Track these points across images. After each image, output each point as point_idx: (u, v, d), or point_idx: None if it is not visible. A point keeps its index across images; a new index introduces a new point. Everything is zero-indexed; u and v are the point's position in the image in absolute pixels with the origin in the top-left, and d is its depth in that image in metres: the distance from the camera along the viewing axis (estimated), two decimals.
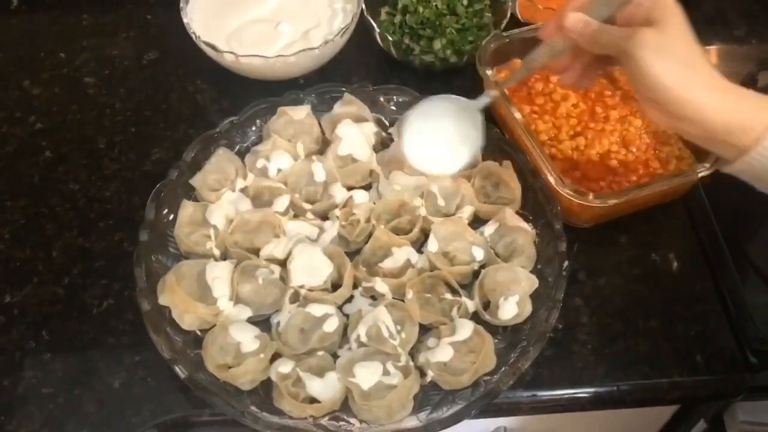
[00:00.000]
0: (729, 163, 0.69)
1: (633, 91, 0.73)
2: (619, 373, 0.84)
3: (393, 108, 1.02)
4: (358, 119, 0.98)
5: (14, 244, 0.93)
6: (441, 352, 0.80)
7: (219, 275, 0.85)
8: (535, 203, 0.91)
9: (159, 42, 1.16)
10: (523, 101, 1.00)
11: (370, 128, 0.98)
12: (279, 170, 0.94)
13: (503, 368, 0.80)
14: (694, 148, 0.95)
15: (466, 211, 0.92)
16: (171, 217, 0.91)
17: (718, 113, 0.66)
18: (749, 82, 1.15)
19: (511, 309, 0.83)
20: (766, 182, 0.68)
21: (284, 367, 0.79)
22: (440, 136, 0.86)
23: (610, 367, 0.85)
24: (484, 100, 0.85)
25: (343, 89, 1.00)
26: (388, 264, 0.87)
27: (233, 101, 1.06)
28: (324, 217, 0.93)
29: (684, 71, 0.66)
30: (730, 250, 0.92)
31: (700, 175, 0.89)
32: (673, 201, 0.97)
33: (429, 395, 0.80)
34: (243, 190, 0.94)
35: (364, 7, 1.06)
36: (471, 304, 0.85)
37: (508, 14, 1.08)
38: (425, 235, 0.90)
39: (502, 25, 1.07)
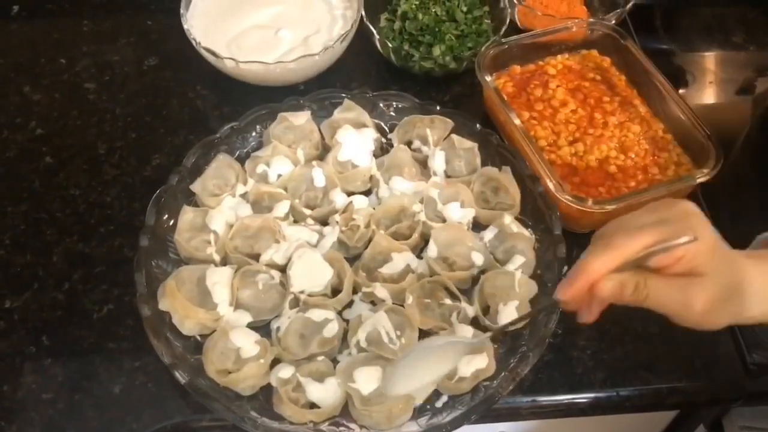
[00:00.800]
0: None
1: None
2: (619, 379, 0.84)
3: (392, 114, 1.02)
4: (358, 125, 0.99)
5: (15, 249, 0.93)
6: None
7: (219, 280, 0.85)
8: (535, 209, 0.92)
9: (159, 48, 1.16)
10: (522, 107, 1.01)
11: (369, 134, 0.98)
12: (279, 176, 0.95)
13: (503, 373, 0.80)
14: (692, 153, 0.96)
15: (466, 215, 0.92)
16: (171, 222, 0.91)
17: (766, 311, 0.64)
18: (747, 87, 1.16)
19: (510, 314, 0.83)
20: None
21: (284, 372, 0.79)
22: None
23: (610, 372, 0.85)
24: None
25: (343, 95, 1.01)
26: (387, 269, 0.87)
27: (233, 107, 1.07)
28: (324, 222, 0.93)
29: (734, 305, 0.62)
30: None
31: (698, 180, 0.90)
32: None
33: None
34: (243, 196, 0.94)
35: (363, 13, 1.07)
36: (471, 310, 0.85)
37: (507, 21, 1.09)
38: (425, 240, 0.90)
39: (501, 32, 1.07)
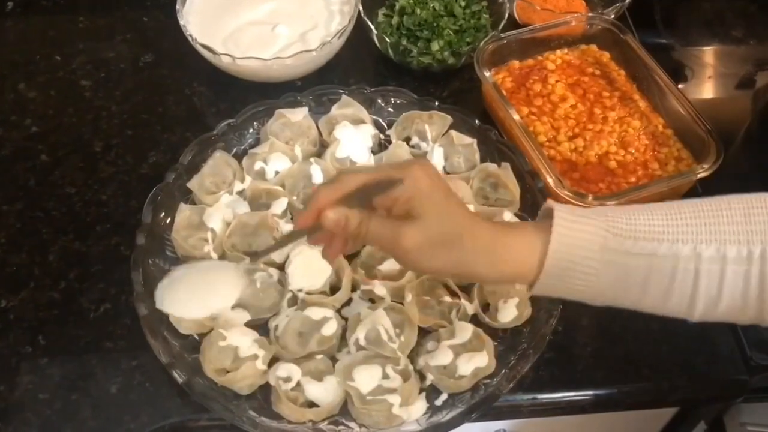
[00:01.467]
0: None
1: None
2: (619, 376, 0.84)
3: (391, 110, 1.02)
4: (356, 121, 0.98)
5: (10, 248, 0.93)
6: (440, 356, 0.80)
7: None
8: (535, 205, 0.91)
9: (155, 44, 1.15)
10: (521, 103, 1.00)
11: (368, 130, 0.98)
12: (276, 173, 0.94)
13: (503, 371, 0.80)
14: (692, 148, 0.95)
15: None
16: (168, 220, 0.90)
17: (494, 275, 0.65)
18: (747, 82, 1.16)
19: (510, 312, 0.83)
20: (569, 292, 0.67)
21: (283, 371, 0.79)
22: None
23: (610, 369, 0.84)
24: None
25: (341, 91, 1.00)
26: (386, 266, 0.87)
27: (230, 104, 1.06)
28: None
29: (449, 254, 0.64)
30: None
31: (699, 176, 0.89)
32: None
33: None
34: (240, 193, 0.93)
35: (361, 8, 1.06)
36: (470, 307, 0.84)
37: (506, 16, 1.08)
38: None
39: (500, 27, 1.07)
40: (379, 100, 1.01)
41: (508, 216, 0.89)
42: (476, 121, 0.97)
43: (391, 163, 0.69)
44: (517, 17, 1.16)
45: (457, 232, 0.64)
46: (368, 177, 0.66)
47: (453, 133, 0.97)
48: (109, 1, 1.21)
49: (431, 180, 0.65)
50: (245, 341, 0.80)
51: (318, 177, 0.93)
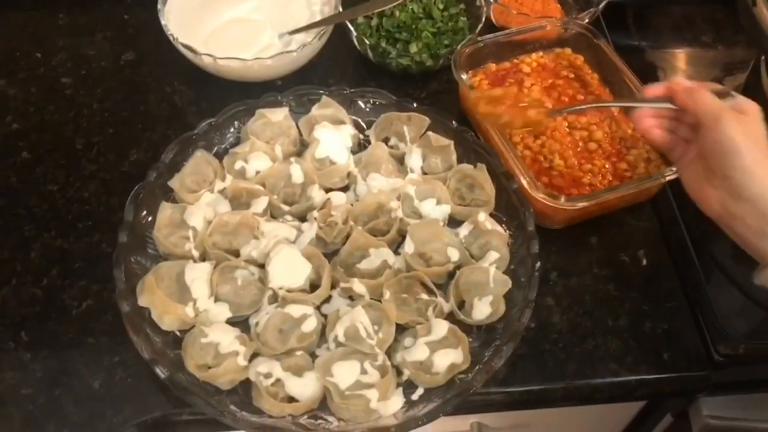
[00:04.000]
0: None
1: (694, 167, 0.79)
2: (589, 371, 0.87)
3: (369, 110, 1.03)
4: (336, 121, 1.00)
5: None
6: (417, 351, 0.82)
7: (198, 276, 0.86)
8: (509, 205, 0.94)
9: (136, 42, 1.16)
10: None
11: (347, 130, 0.99)
12: (257, 172, 0.96)
13: (478, 366, 0.82)
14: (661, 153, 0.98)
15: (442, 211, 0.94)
16: (150, 218, 0.91)
17: None
18: None
19: (485, 309, 0.85)
20: None
21: (263, 366, 0.81)
22: None
23: (581, 364, 0.87)
24: None
25: (321, 92, 1.02)
26: (365, 265, 0.89)
27: (211, 103, 1.07)
28: (302, 218, 0.94)
29: (758, 152, 0.71)
30: (696, 251, 0.95)
31: (667, 177, 0.92)
32: (642, 203, 1.00)
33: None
34: (221, 192, 0.95)
35: (341, 9, 1.08)
36: (446, 305, 0.87)
37: (483, 19, 1.10)
38: (402, 236, 0.92)
39: (477, 30, 1.09)
40: (359, 101, 1.03)
41: (482, 216, 0.91)
42: (453, 123, 0.99)
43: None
44: (494, 20, 1.18)
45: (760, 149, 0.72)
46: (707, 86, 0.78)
47: (430, 134, 0.99)
48: None
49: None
50: (226, 338, 0.82)
51: (298, 176, 0.95)
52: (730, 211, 0.73)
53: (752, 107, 0.76)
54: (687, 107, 0.77)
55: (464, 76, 1.00)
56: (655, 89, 0.82)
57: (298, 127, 1.01)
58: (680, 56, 1.24)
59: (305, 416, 0.80)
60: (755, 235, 0.72)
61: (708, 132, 0.74)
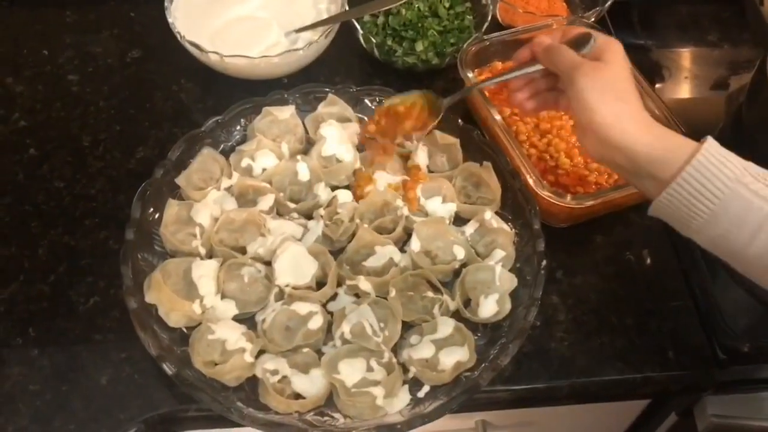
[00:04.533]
0: (651, 202, 0.74)
1: (577, 130, 0.80)
2: (594, 369, 0.87)
3: (375, 108, 1.03)
4: (342, 119, 1.00)
5: None
6: (423, 349, 0.82)
7: (205, 273, 0.86)
8: (515, 204, 0.94)
9: (143, 40, 1.16)
10: (503, 103, 1.03)
11: (353, 128, 0.99)
12: (264, 169, 0.96)
13: (483, 364, 0.82)
14: None
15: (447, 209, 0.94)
16: (157, 215, 0.91)
17: (641, 141, 0.72)
18: (721, 85, 1.19)
19: (490, 307, 0.85)
20: (683, 221, 0.72)
21: (270, 363, 0.81)
22: None
23: (586, 362, 0.87)
24: None
25: (327, 89, 1.02)
26: (371, 263, 0.89)
27: (217, 100, 1.07)
28: (308, 216, 0.94)
29: (616, 102, 0.74)
30: (701, 249, 0.94)
31: None
32: (648, 202, 1.00)
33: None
34: (228, 189, 0.95)
35: (348, 8, 1.08)
36: (452, 303, 0.87)
37: (489, 17, 1.11)
38: (408, 234, 0.92)
39: (483, 28, 1.09)
40: (365, 99, 1.03)
41: (488, 214, 0.91)
42: (459, 121, 0.99)
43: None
44: (500, 19, 1.18)
45: (628, 94, 0.74)
46: (582, 29, 0.83)
47: (436, 132, 0.99)
48: None
49: (623, 49, 0.78)
50: (233, 335, 0.82)
51: (304, 174, 0.95)
52: (606, 157, 0.75)
53: (612, 50, 0.77)
54: (549, 68, 0.81)
55: (470, 75, 1.00)
56: (523, 53, 0.85)
57: (304, 125, 1.01)
58: (686, 55, 1.24)
59: (312, 413, 0.81)
60: (632, 177, 0.75)
61: (567, 89, 0.76)
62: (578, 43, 0.81)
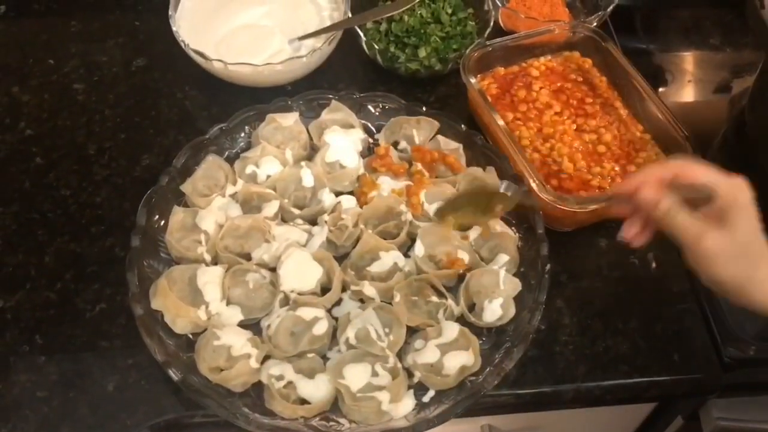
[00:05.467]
0: None
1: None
2: (600, 372, 0.87)
3: (379, 115, 1.04)
4: (346, 126, 1.01)
5: (6, 249, 0.94)
6: (428, 354, 0.82)
7: (210, 280, 0.87)
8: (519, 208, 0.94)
9: (147, 48, 1.17)
10: (506, 108, 1.03)
11: (357, 134, 1.00)
12: (268, 176, 0.96)
13: (488, 368, 0.82)
14: (670, 153, 0.98)
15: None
16: (162, 222, 0.92)
17: None
18: (724, 89, 1.19)
19: (495, 311, 0.86)
20: None
21: (275, 369, 0.81)
22: None
23: (591, 366, 0.87)
24: None
25: (331, 96, 1.02)
26: (375, 268, 0.89)
27: (222, 108, 1.08)
28: (312, 222, 0.95)
29: (745, 272, 0.69)
30: None
31: None
32: None
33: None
34: (233, 196, 0.95)
35: (350, 15, 1.08)
36: (456, 307, 0.87)
37: (491, 23, 1.11)
38: (412, 239, 0.92)
39: (486, 34, 1.09)
40: (368, 105, 1.04)
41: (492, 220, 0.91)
42: (462, 126, 1.00)
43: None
44: (502, 24, 1.18)
45: (762, 252, 0.68)
46: (700, 175, 0.70)
47: (440, 137, 1.00)
48: (101, 5, 1.23)
49: (751, 199, 0.69)
50: (239, 340, 0.82)
51: (308, 180, 0.95)
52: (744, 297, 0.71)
53: (738, 206, 0.69)
54: (660, 227, 0.72)
55: (473, 80, 1.01)
56: (626, 189, 0.74)
57: (308, 132, 1.02)
58: (688, 59, 1.24)
59: (317, 418, 0.81)
60: None
61: (690, 256, 0.70)
62: (692, 193, 0.71)
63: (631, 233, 0.76)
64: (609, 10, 1.15)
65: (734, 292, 0.70)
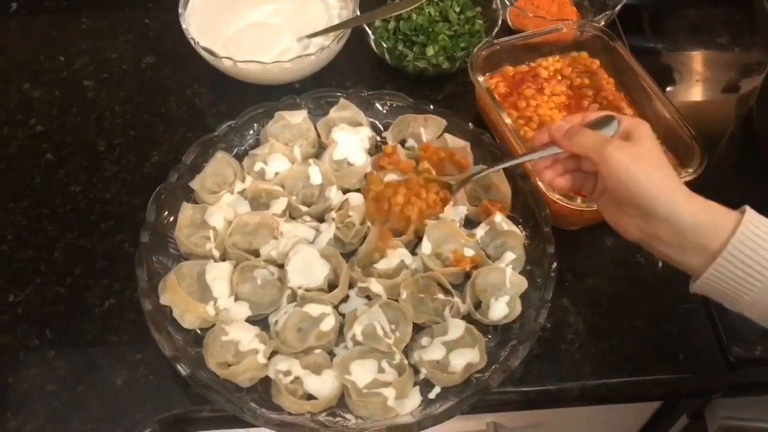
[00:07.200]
0: (697, 278, 0.71)
1: (604, 199, 0.76)
2: (605, 371, 0.87)
3: (387, 112, 1.04)
4: (353, 123, 1.01)
5: (17, 244, 0.95)
6: (434, 351, 0.83)
7: (218, 276, 0.88)
8: (525, 206, 0.94)
9: (157, 46, 1.18)
10: (513, 107, 1.03)
11: (364, 132, 1.00)
12: (276, 173, 0.97)
13: (494, 366, 0.83)
14: (677, 153, 0.98)
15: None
16: (171, 218, 0.93)
17: (688, 209, 0.69)
18: (732, 88, 1.19)
19: (501, 309, 0.86)
20: (735, 294, 0.69)
21: (282, 364, 0.82)
22: None
23: (596, 364, 0.88)
24: None
25: (339, 94, 1.03)
26: (382, 265, 0.90)
27: (231, 105, 1.09)
28: (320, 219, 0.95)
29: (656, 172, 0.71)
30: None
31: (683, 179, 0.92)
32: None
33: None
34: (241, 193, 0.96)
35: (359, 13, 1.09)
36: (463, 305, 0.88)
37: (500, 21, 1.11)
38: (419, 237, 0.93)
39: (494, 32, 1.10)
40: (376, 103, 1.04)
41: (499, 217, 0.92)
42: (470, 125, 1.00)
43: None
44: (510, 23, 1.19)
45: (664, 167, 0.71)
46: (601, 112, 0.77)
47: (447, 135, 1.00)
48: (111, 3, 1.24)
49: (651, 130, 0.74)
50: (246, 336, 0.83)
51: (316, 178, 0.96)
52: (647, 233, 0.72)
53: (638, 128, 0.74)
54: (571, 151, 0.76)
55: (480, 79, 1.01)
56: (541, 137, 0.79)
57: (316, 129, 1.02)
58: (696, 58, 1.24)
59: (324, 413, 0.81)
60: (676, 251, 0.71)
61: (601, 168, 0.72)
62: (600, 126, 0.76)
63: (549, 175, 0.79)
64: (617, 9, 1.15)
65: (648, 200, 0.70)
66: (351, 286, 0.90)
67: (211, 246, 0.91)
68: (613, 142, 0.72)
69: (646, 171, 0.70)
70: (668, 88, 1.19)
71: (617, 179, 0.71)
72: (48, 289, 0.92)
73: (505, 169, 0.96)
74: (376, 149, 1.02)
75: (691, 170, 0.92)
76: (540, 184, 0.91)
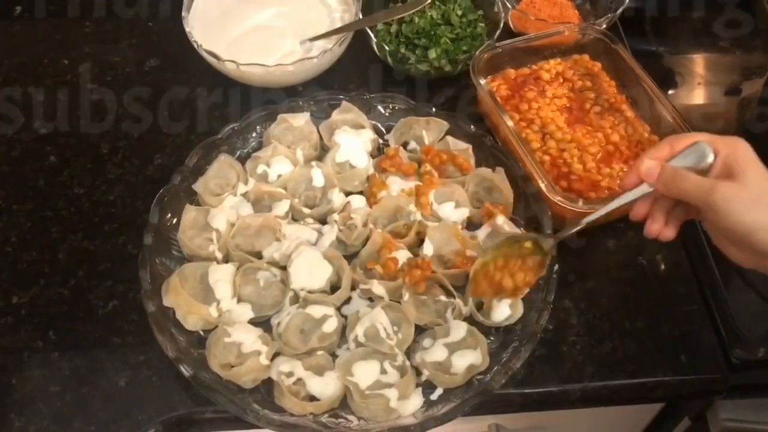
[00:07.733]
0: None
1: (713, 230, 0.73)
2: (607, 372, 0.87)
3: (389, 115, 1.05)
4: (356, 126, 1.02)
5: (21, 246, 0.96)
6: (436, 352, 0.83)
7: (221, 277, 0.88)
8: (527, 209, 0.95)
9: (160, 49, 1.18)
10: (515, 110, 1.03)
11: (367, 135, 1.01)
12: (279, 175, 0.97)
13: (496, 367, 0.83)
14: None
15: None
16: (174, 221, 0.93)
17: None
18: (734, 91, 1.19)
19: (503, 311, 0.86)
20: None
21: (285, 366, 0.82)
22: None
23: (598, 366, 0.88)
24: None
25: (341, 97, 1.03)
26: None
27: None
28: (323, 221, 0.95)
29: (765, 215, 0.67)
30: (714, 254, 0.95)
31: None
32: None
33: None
34: (244, 195, 0.97)
35: (361, 16, 1.09)
36: (465, 306, 0.88)
37: (501, 24, 1.12)
38: (421, 239, 0.93)
39: (495, 35, 1.10)
40: (378, 106, 1.04)
41: (501, 219, 0.92)
42: (472, 127, 1.00)
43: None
44: (512, 26, 1.19)
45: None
46: (694, 137, 0.72)
47: (449, 138, 1.00)
48: (115, 6, 1.24)
49: (751, 150, 0.70)
50: (249, 337, 0.83)
51: (319, 180, 0.96)
52: (759, 264, 0.70)
53: (738, 156, 0.69)
54: (672, 196, 0.73)
55: (482, 82, 1.01)
56: (631, 179, 0.76)
57: (318, 132, 1.03)
58: (698, 61, 1.24)
59: (326, 415, 0.82)
60: None
61: (708, 215, 0.69)
62: (692, 157, 0.71)
63: (654, 228, 0.76)
64: (618, 12, 1.16)
65: (764, 245, 0.67)
66: (353, 287, 0.90)
67: (213, 248, 0.91)
68: (718, 187, 0.67)
69: (762, 220, 0.66)
70: (670, 91, 1.19)
71: (731, 230, 0.68)
72: (51, 290, 0.92)
73: (507, 171, 0.96)
74: (378, 152, 1.02)
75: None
76: (542, 186, 0.92)
